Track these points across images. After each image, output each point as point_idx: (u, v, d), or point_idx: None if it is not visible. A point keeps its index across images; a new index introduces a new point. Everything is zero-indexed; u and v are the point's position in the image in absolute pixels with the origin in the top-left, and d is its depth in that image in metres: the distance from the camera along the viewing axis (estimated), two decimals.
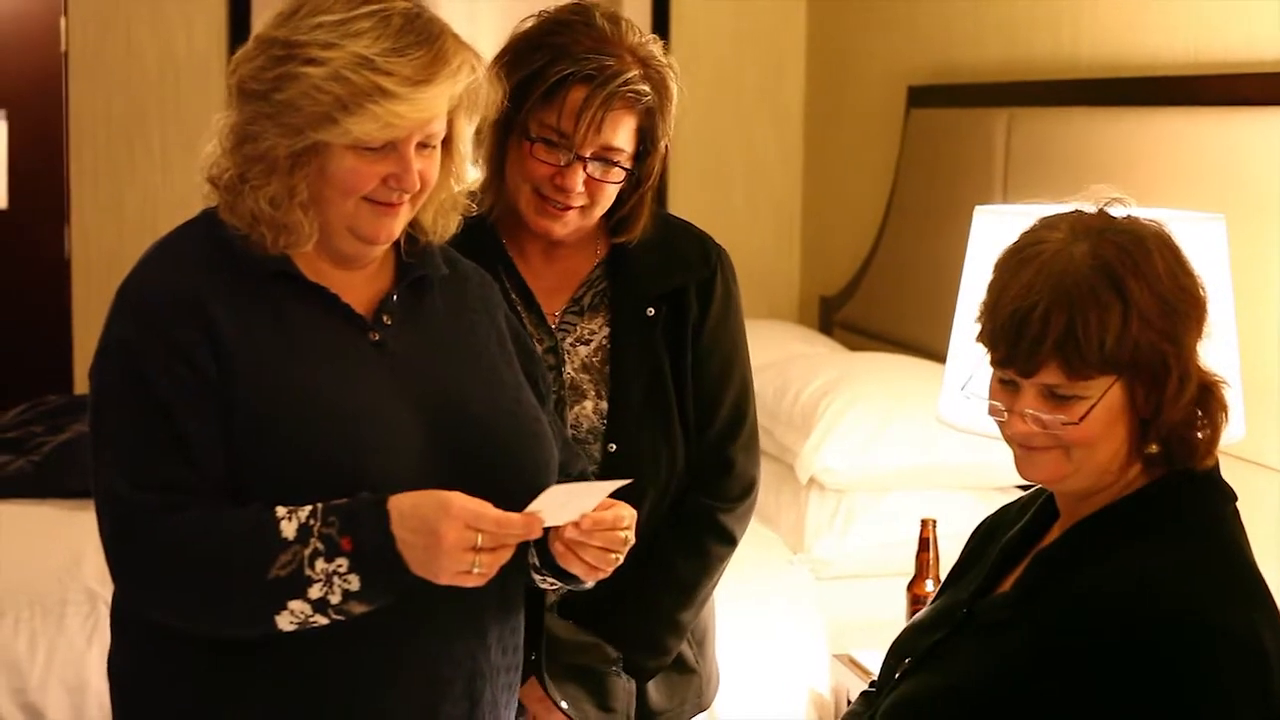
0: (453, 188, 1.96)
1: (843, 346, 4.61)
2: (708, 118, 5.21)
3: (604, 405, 2.29)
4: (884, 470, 3.55)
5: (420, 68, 1.80)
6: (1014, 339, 1.72)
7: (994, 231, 2.68)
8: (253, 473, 1.82)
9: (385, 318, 1.93)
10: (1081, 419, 1.72)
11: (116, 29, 4.98)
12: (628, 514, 1.88)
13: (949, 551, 2.77)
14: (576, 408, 2.29)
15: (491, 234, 2.30)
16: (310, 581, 1.77)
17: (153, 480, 1.80)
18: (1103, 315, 1.69)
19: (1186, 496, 1.76)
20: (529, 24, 2.27)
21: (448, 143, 1.92)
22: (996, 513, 2.01)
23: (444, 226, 1.98)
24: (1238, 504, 1.80)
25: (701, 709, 2.46)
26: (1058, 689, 1.67)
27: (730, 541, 2.38)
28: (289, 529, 1.77)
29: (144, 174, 5.03)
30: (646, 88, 2.22)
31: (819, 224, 5.29)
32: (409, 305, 1.96)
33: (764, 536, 3.58)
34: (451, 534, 1.75)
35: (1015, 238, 1.80)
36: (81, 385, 4.90)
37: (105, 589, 3.26)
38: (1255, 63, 3.07)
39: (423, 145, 1.86)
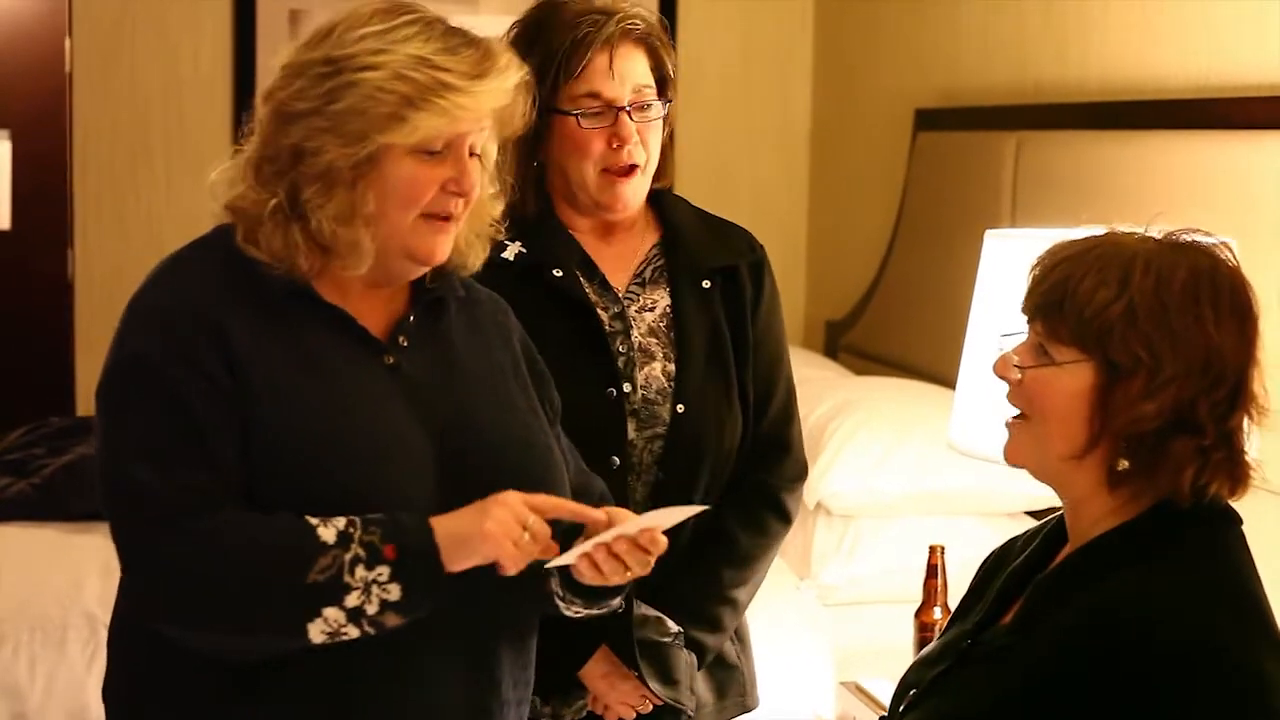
0: (484, 212, 1.97)
1: (849, 371, 4.59)
2: (713, 139, 5.20)
3: (671, 367, 2.36)
4: (891, 496, 3.53)
5: (474, 63, 1.84)
6: (1033, 285, 1.77)
7: (1004, 255, 2.66)
8: (263, 491, 1.80)
9: (401, 339, 1.92)
10: (1026, 369, 1.74)
11: (121, 50, 4.97)
12: (662, 543, 1.89)
13: (957, 578, 2.74)
14: (646, 368, 2.35)
15: (552, 221, 2.38)
16: (348, 589, 1.75)
17: (185, 483, 1.77)
18: (1096, 287, 1.70)
19: (1188, 521, 1.73)
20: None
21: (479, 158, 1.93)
22: (1004, 545, 2.00)
23: (474, 253, 1.98)
24: (1243, 527, 1.77)
25: (746, 709, 2.49)
26: (1055, 716, 1.65)
27: (787, 520, 2.46)
28: (328, 534, 1.76)
29: (147, 196, 5.02)
30: (643, 15, 2.36)
31: (825, 247, 5.27)
32: (425, 327, 1.95)
33: None
34: (503, 511, 1.78)
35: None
36: (84, 407, 4.88)
37: (105, 612, 3.22)
38: (1265, 85, 3.06)
39: (469, 153, 1.88)
